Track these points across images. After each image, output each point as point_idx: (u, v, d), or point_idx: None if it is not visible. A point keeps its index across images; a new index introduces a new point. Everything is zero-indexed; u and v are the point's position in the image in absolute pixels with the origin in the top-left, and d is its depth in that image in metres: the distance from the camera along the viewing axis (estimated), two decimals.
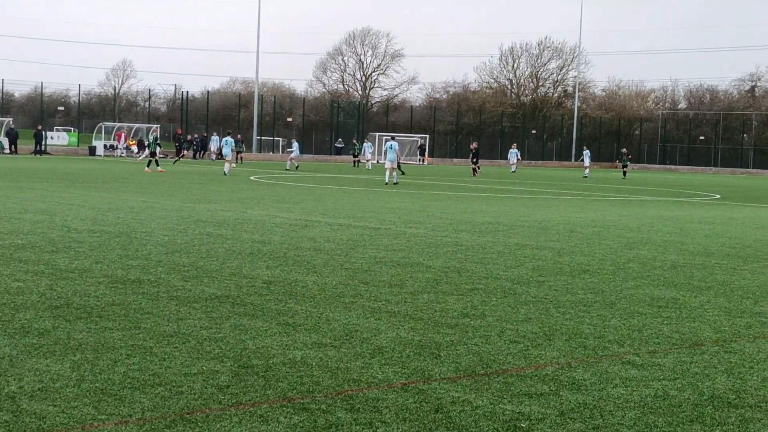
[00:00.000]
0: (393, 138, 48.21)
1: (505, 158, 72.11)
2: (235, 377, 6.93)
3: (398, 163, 43.28)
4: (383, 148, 54.68)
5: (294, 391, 6.62)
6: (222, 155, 45.24)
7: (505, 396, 6.68)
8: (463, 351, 8.03)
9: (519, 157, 67.45)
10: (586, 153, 63.68)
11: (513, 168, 65.96)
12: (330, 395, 6.56)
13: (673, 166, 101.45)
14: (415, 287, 11.30)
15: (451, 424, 6.02)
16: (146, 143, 56.24)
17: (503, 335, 8.74)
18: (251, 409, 6.19)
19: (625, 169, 62.52)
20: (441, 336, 8.60)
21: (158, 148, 45.58)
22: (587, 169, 61.71)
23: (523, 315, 9.78)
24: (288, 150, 60.81)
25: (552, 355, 8.02)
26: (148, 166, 44.28)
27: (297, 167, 54.74)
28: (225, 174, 41.64)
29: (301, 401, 6.39)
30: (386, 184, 37.70)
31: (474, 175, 53.72)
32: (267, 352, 7.75)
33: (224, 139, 47.16)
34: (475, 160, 56.44)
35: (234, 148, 48.49)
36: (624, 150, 65.94)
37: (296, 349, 7.86)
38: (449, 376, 7.19)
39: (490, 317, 9.58)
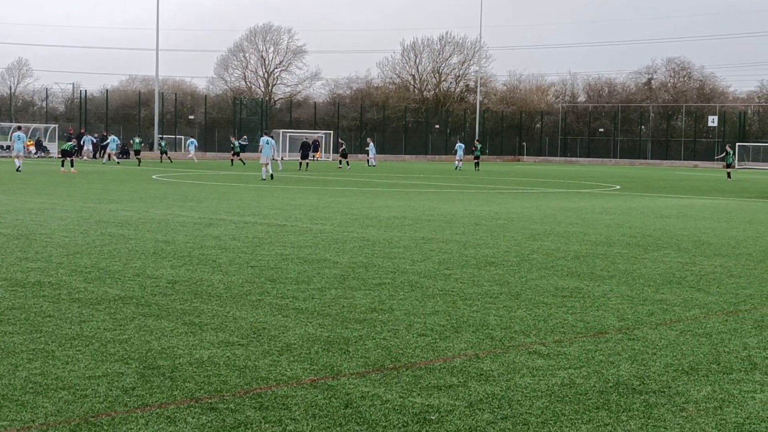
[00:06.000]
0: (267, 134, 48.77)
1: (410, 154, 72.64)
2: (141, 379, 6.81)
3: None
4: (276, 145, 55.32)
5: (201, 391, 6.53)
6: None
7: (414, 389, 6.69)
8: (372, 345, 8.03)
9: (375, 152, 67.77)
10: (460, 146, 64.06)
11: (369, 162, 66.50)
12: (238, 394, 6.49)
13: (573, 158, 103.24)
14: (322, 283, 11.27)
15: (361, 419, 6.01)
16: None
17: (411, 329, 8.76)
18: (158, 410, 6.09)
19: (477, 160, 61.97)
20: (349, 331, 8.58)
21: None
22: (459, 162, 61.93)
23: (431, 308, 9.82)
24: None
25: (460, 347, 8.07)
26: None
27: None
28: (19, 170, 42.39)
29: (209, 401, 6.31)
30: (263, 180, 38.29)
31: (342, 167, 55.95)
32: (173, 352, 7.64)
33: (15, 134, 44.17)
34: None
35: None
36: (476, 140, 66.38)
37: (203, 349, 7.76)
38: (358, 371, 7.18)
39: (398, 311, 9.60)
